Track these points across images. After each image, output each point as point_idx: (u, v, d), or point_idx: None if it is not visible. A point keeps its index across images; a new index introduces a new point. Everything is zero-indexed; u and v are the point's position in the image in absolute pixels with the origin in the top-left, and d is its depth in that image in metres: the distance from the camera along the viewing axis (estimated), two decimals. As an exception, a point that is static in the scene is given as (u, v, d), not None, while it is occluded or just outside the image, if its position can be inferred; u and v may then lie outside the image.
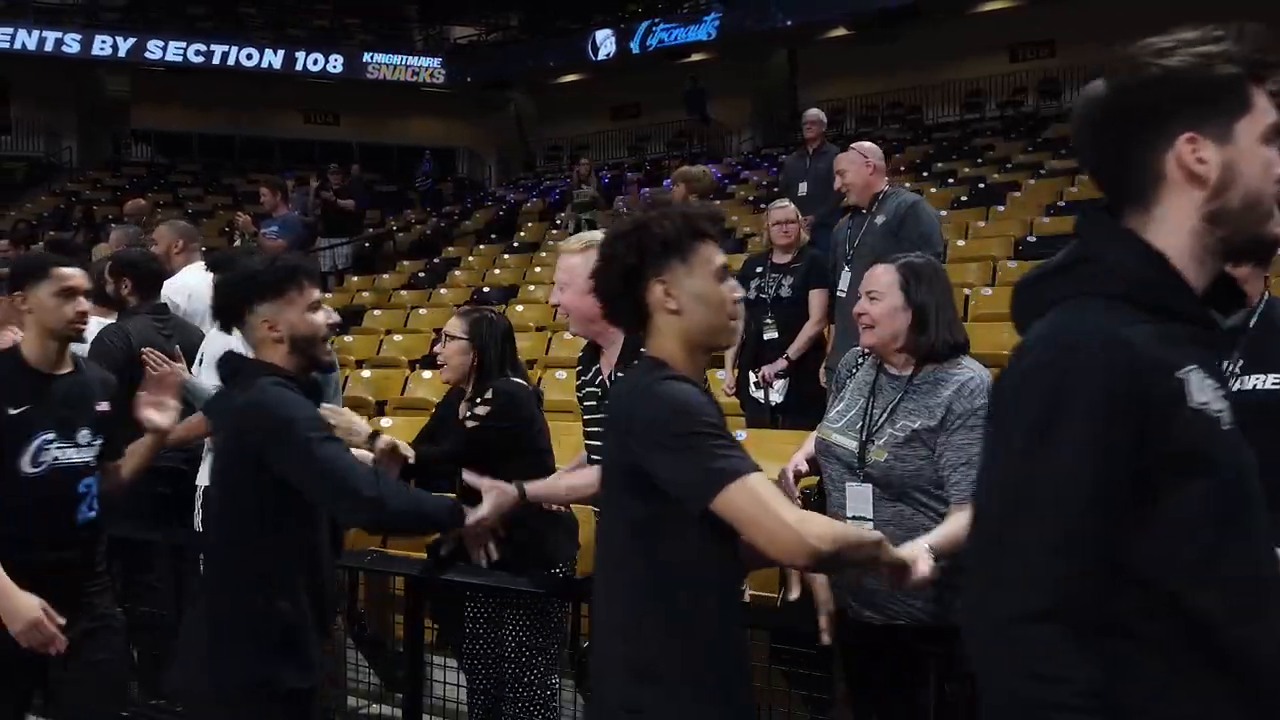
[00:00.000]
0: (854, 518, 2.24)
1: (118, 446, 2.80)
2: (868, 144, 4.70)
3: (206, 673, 2.17)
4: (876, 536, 1.79)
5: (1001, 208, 9.57)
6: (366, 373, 7.37)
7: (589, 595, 2.67)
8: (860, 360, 2.45)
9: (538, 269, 10.75)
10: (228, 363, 2.29)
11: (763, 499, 1.58)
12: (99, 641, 2.65)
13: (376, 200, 16.32)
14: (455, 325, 3.12)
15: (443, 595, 3.15)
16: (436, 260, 12.74)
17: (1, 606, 2.44)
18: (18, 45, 19.26)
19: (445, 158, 21.94)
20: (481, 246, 13.16)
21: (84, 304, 2.67)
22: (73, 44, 19.74)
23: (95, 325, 3.76)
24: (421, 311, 9.59)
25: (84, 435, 2.66)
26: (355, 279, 11.88)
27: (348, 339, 8.71)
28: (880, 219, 4.39)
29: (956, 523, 2.16)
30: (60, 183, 19.65)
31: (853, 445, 2.30)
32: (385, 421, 5.50)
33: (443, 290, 10.71)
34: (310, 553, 2.23)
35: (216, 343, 3.80)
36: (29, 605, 2.44)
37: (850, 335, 3.03)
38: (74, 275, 2.67)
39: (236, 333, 3.67)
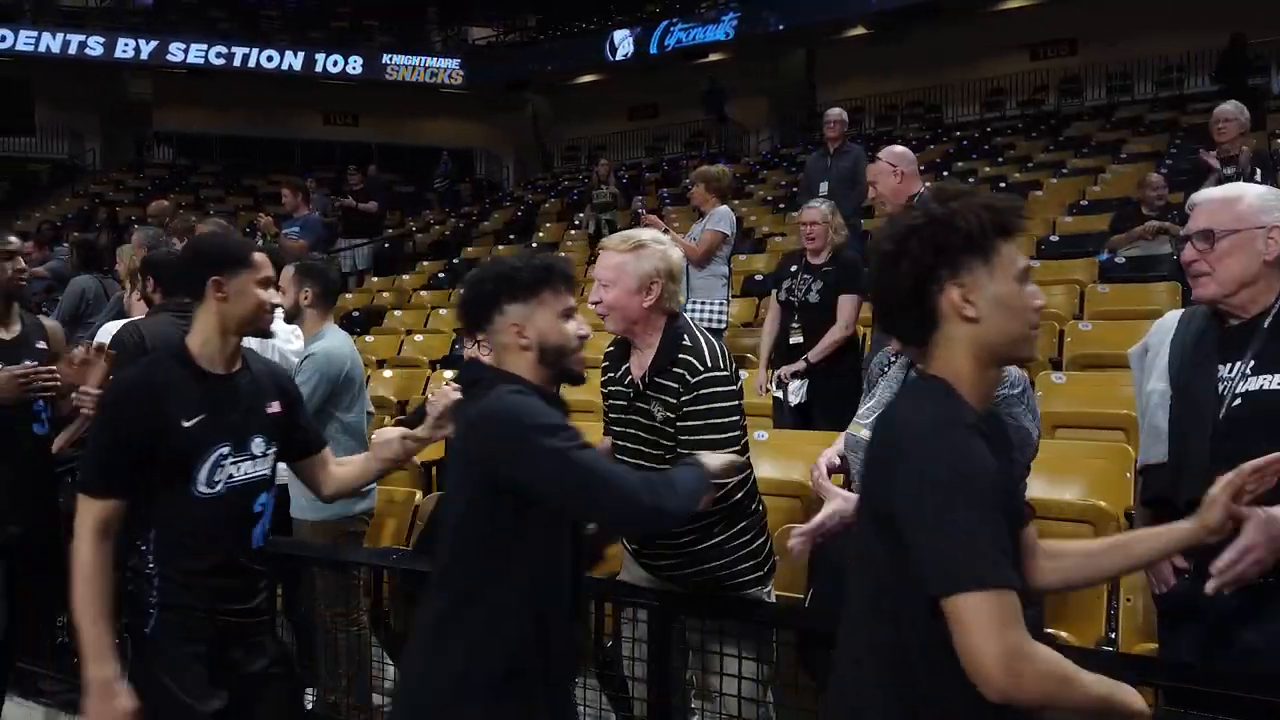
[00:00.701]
0: None
1: (309, 439, 2.49)
2: (897, 149, 4.53)
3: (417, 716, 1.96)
4: (1136, 709, 1.46)
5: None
6: (388, 373, 7.40)
7: (610, 594, 2.69)
8: (892, 358, 2.45)
9: (557, 269, 10.75)
10: (467, 371, 2.06)
11: (994, 618, 1.36)
12: (274, 690, 2.37)
13: (395, 201, 16.40)
14: None
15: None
16: (456, 261, 12.79)
17: (99, 691, 2.11)
18: (42, 48, 19.49)
19: (463, 158, 22.03)
20: (500, 247, 13.18)
21: (276, 295, 2.38)
22: (96, 47, 19.95)
23: (112, 327, 3.80)
24: (442, 312, 9.62)
25: (258, 444, 2.31)
26: (375, 280, 11.95)
27: (368, 339, 8.76)
28: (915, 222, 4.37)
29: None
30: (84, 184, 19.86)
31: (880, 440, 2.29)
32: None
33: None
34: (543, 586, 1.95)
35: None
36: (124, 704, 2.13)
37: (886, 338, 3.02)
38: (269, 263, 2.38)
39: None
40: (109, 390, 2.34)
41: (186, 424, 2.19)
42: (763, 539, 2.59)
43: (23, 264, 3.31)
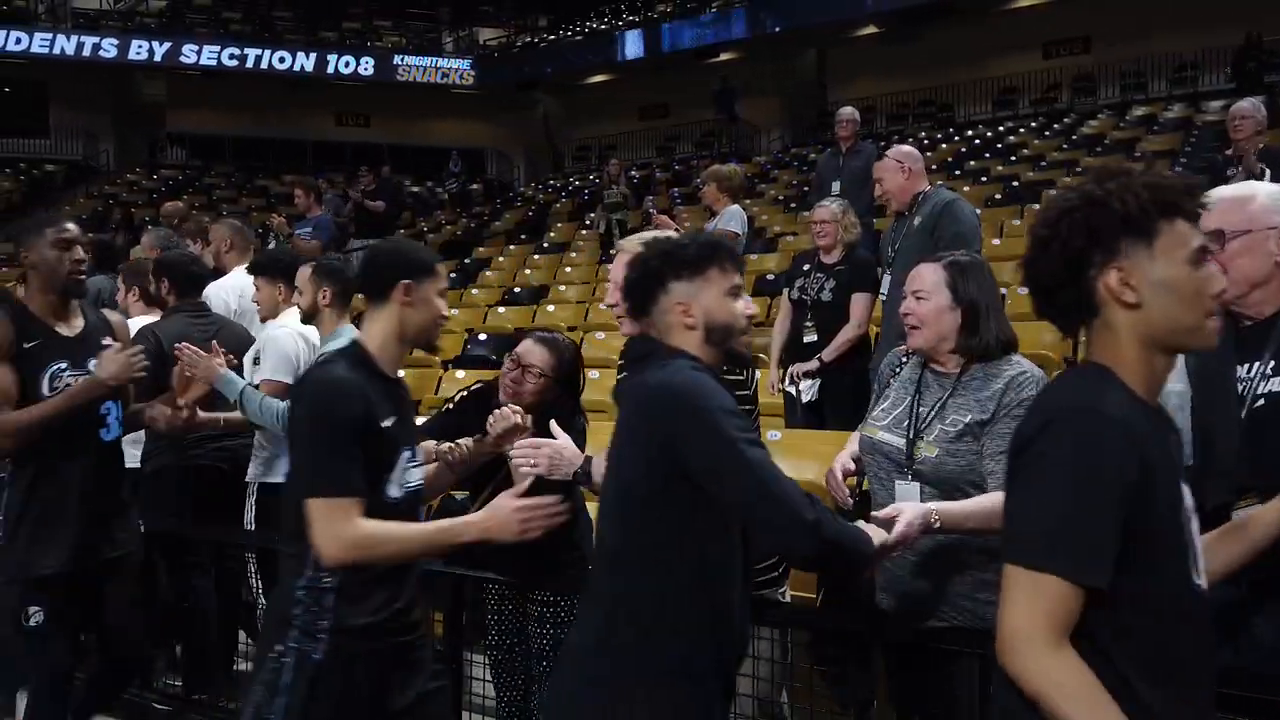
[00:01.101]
0: None
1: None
2: (904, 148, 4.64)
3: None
4: None
5: (1036, 206, 9.48)
6: (400, 372, 7.41)
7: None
8: (904, 359, 2.44)
9: (568, 269, 10.78)
10: (635, 345, 2.00)
11: (1025, 597, 1.34)
12: (433, 709, 2.30)
13: (406, 202, 16.44)
14: (539, 356, 2.83)
15: (475, 595, 3.16)
16: (467, 261, 12.82)
17: (488, 527, 2.13)
18: (56, 50, 19.62)
19: (474, 159, 22.09)
20: (511, 247, 13.22)
21: (447, 307, 2.34)
22: (110, 49, 20.06)
23: (133, 325, 3.82)
24: (453, 311, 9.64)
25: (419, 452, 2.30)
26: (387, 279, 11.97)
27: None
28: (918, 220, 4.38)
29: (980, 501, 2.11)
30: (98, 185, 19.98)
31: (900, 442, 2.29)
32: (418, 420, 5.53)
33: (474, 290, 10.78)
34: (717, 567, 1.86)
35: (277, 336, 3.77)
36: (504, 505, 2.12)
37: (893, 338, 3.01)
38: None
39: (285, 323, 3.74)
40: (312, 386, 2.21)
41: (385, 424, 2.13)
42: (777, 539, 2.58)
43: (81, 254, 2.97)
